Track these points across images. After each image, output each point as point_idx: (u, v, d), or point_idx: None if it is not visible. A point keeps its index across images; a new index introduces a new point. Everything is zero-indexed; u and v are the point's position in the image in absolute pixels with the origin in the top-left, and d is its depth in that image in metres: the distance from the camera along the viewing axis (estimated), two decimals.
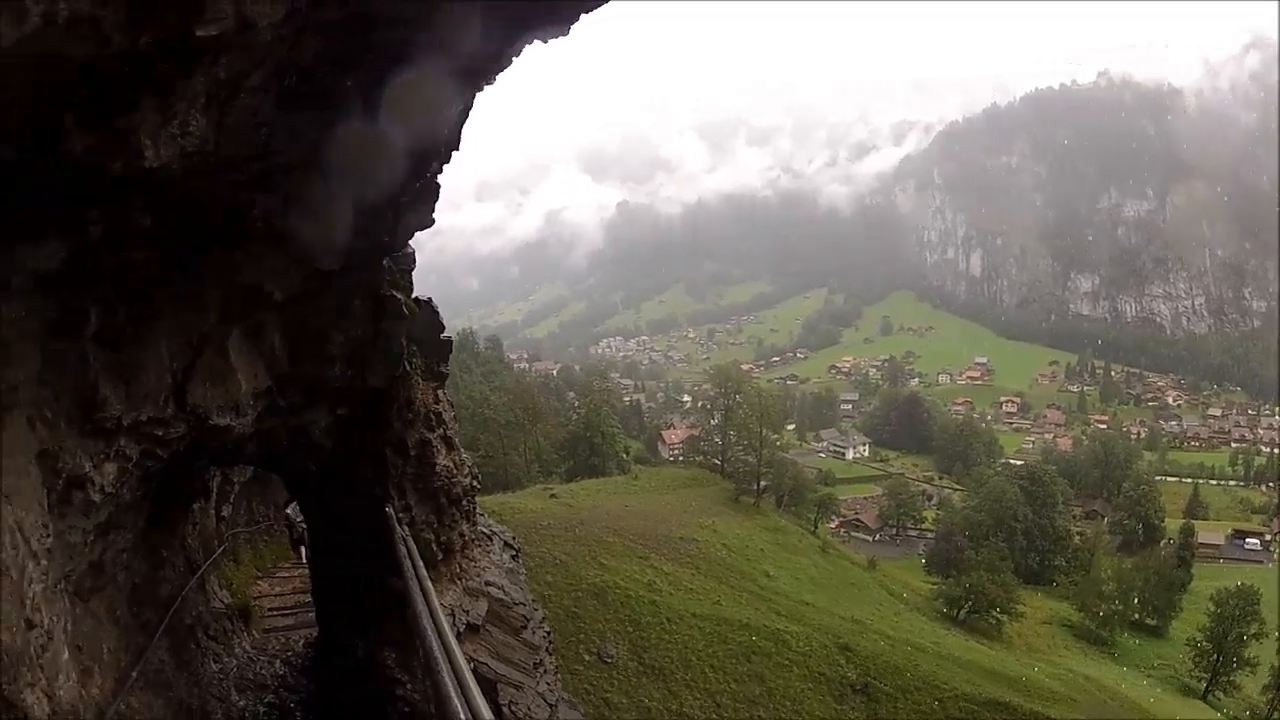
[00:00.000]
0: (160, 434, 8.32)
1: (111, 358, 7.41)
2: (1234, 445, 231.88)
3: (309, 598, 20.60)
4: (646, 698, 41.64)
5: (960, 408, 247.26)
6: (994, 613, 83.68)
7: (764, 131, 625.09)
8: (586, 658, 41.99)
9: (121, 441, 8.02)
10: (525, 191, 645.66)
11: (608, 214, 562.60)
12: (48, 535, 7.13)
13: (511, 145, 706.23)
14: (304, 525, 24.66)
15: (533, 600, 12.74)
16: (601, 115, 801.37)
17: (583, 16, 6.69)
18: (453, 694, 4.38)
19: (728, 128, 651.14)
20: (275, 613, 19.92)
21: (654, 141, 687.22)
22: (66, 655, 7.49)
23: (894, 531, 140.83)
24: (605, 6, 6.37)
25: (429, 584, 6.64)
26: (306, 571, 23.29)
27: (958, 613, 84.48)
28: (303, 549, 25.97)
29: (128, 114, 4.43)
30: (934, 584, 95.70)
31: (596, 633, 42.64)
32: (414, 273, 10.70)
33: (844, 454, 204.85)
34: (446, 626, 5.52)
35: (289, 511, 28.86)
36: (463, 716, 4.00)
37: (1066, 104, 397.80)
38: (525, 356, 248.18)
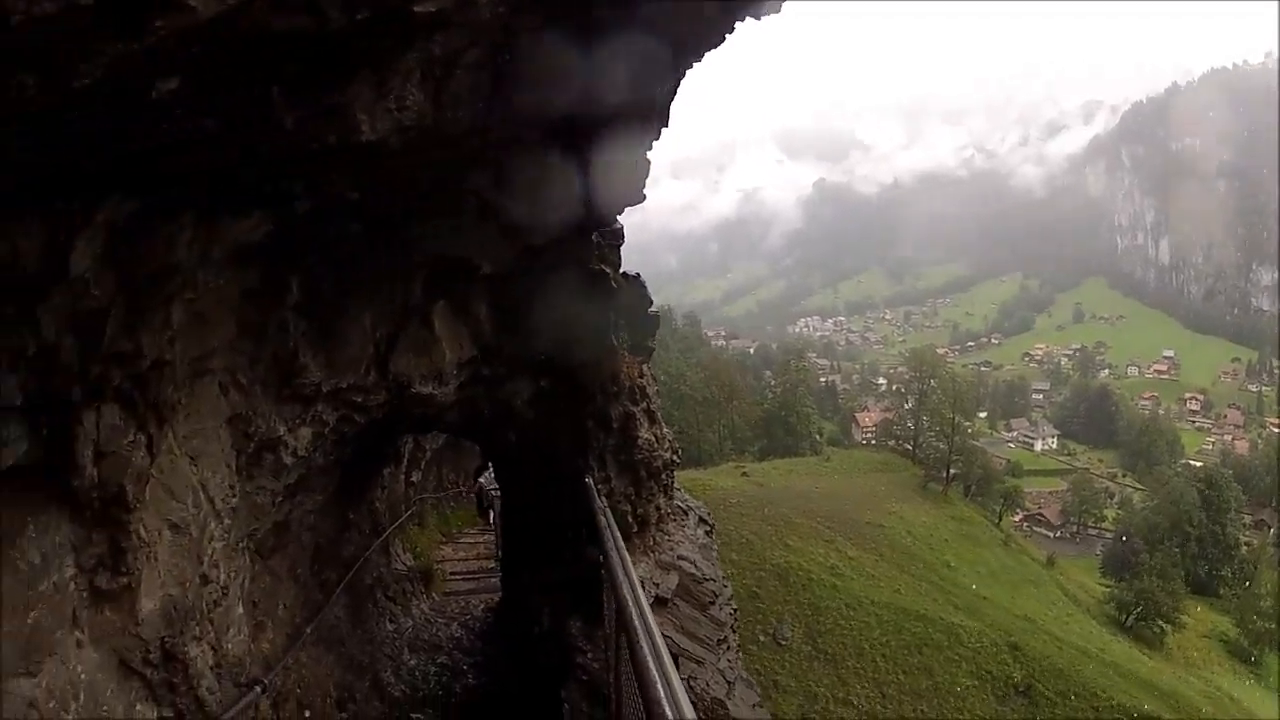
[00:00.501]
0: (359, 401, 8.47)
1: (313, 326, 7.53)
2: None
3: (492, 564, 20.81)
4: (815, 683, 41.23)
5: (1147, 402, 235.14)
6: (1159, 622, 79.98)
7: (956, 111, 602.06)
8: (762, 638, 41.82)
9: (319, 407, 8.18)
10: (721, 169, 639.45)
11: (804, 193, 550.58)
12: (233, 495, 7.28)
13: (707, 123, 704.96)
14: (494, 493, 25.07)
15: (723, 577, 12.60)
16: (795, 94, 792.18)
17: None
18: (650, 664, 4.29)
19: (919, 106, 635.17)
20: (456, 577, 20.13)
21: (848, 120, 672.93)
22: (240, 610, 7.64)
23: (1075, 529, 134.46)
24: None
25: (627, 555, 6.59)
26: (491, 539, 23.51)
27: (1126, 618, 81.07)
28: (491, 515, 26.39)
29: (341, 88, 4.33)
30: (1108, 586, 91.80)
31: (774, 614, 42.36)
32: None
33: (1032, 445, 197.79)
34: (644, 598, 5.43)
35: (481, 480, 29.44)
36: (659, 688, 3.90)
37: (1245, 84, 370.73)
38: (723, 334, 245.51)
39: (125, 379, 5.35)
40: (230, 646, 7.30)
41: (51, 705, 5.00)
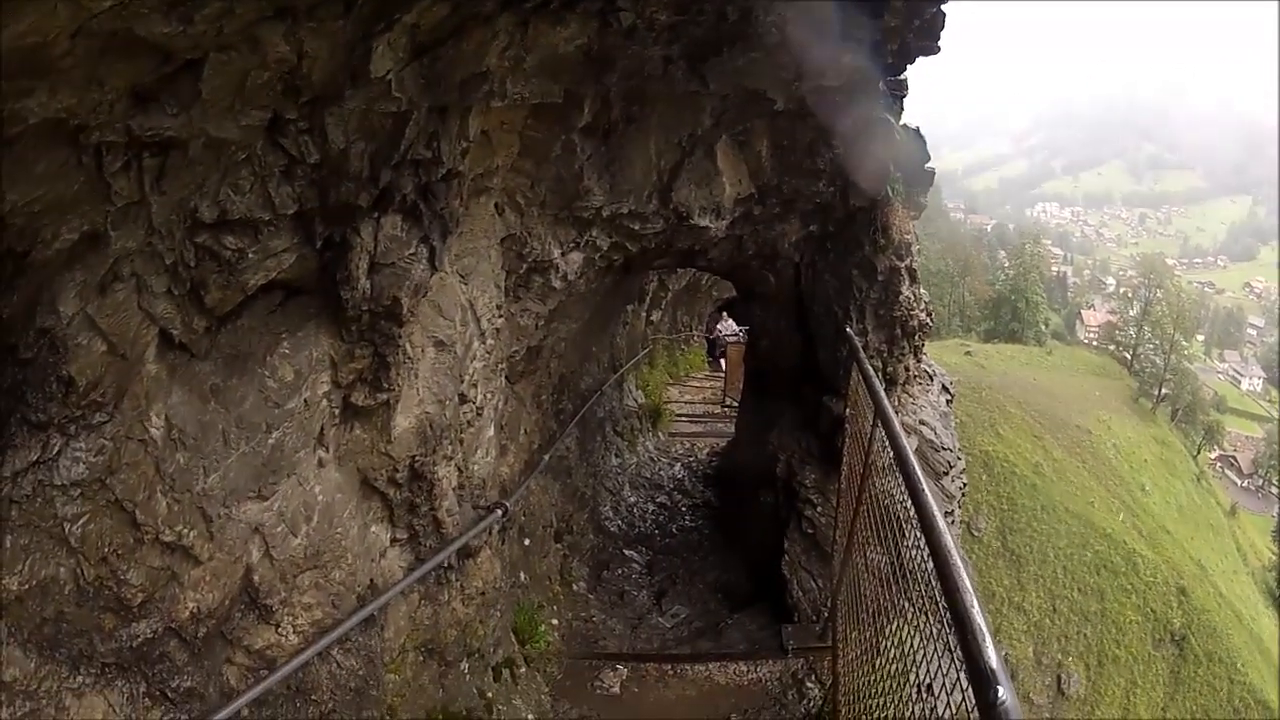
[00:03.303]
0: (636, 228, 8.39)
1: (599, 149, 7.37)
2: None
3: (717, 409, 21.13)
4: (996, 582, 40.51)
5: None
6: None
7: None
8: (957, 525, 41.37)
9: (594, 232, 8.17)
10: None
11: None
12: (499, 316, 7.27)
13: None
14: (729, 339, 25.12)
15: (958, 448, 12.22)
16: None
17: None
18: (931, 502, 3.87)
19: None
20: (682, 419, 20.39)
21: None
22: (491, 433, 7.61)
23: (1261, 482, 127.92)
24: None
25: (888, 406, 6.16)
26: (719, 385, 23.93)
27: None
28: (722, 363, 26.57)
29: None
30: (1275, 553, 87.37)
31: (974, 503, 41.33)
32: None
33: (1240, 383, 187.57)
34: (909, 450, 5.01)
35: (720, 326, 29.58)
36: (942, 526, 3.47)
37: None
38: (961, 208, 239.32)
39: (415, 189, 5.19)
40: (476, 468, 7.30)
41: (280, 529, 4.96)
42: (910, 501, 4.30)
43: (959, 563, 3.18)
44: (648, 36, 5.92)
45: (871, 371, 7.95)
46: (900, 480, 4.80)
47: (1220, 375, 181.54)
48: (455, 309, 6.34)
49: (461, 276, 6.47)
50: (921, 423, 11.47)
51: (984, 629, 2.77)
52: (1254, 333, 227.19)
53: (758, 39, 6.66)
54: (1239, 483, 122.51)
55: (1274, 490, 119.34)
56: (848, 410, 8.94)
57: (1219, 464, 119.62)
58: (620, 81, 6.52)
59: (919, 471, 4.48)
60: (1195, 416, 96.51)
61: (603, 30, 5.57)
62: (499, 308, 7.27)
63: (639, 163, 7.83)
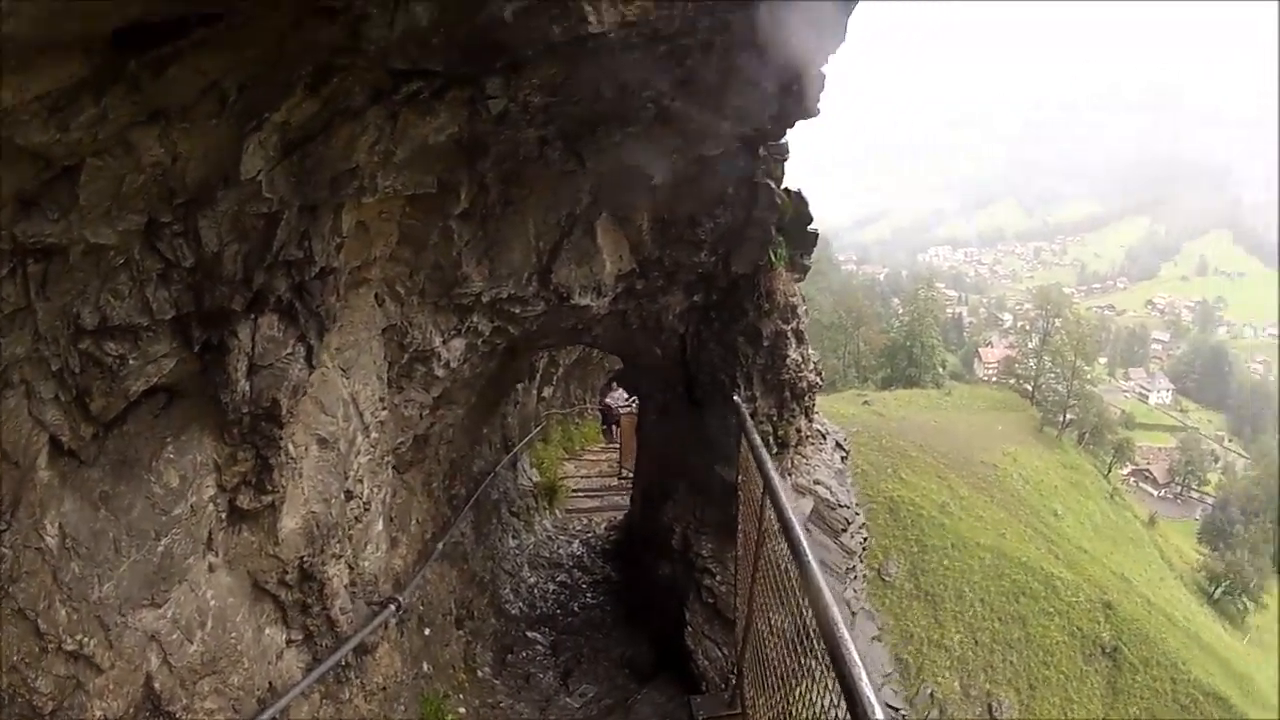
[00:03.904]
0: (517, 311, 8.39)
1: (477, 234, 7.36)
2: None
3: (614, 481, 21.08)
4: (913, 622, 40.81)
5: (1259, 366, 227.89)
6: (1243, 598, 78.63)
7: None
8: (866, 573, 41.59)
9: (475, 318, 8.17)
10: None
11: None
12: (383, 408, 7.23)
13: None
14: (621, 410, 25.14)
15: (855, 504, 12.38)
16: None
17: None
18: (817, 576, 3.96)
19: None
20: (579, 494, 20.28)
21: None
22: (380, 527, 7.58)
23: (1179, 490, 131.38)
24: None
25: (775, 476, 6.22)
26: (614, 456, 23.83)
27: (1214, 590, 79.33)
28: (614, 433, 26.57)
29: None
30: (1202, 554, 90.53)
31: (882, 549, 41.56)
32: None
33: (1148, 397, 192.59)
34: (794, 519, 5.08)
35: (608, 400, 29.63)
36: (834, 609, 3.54)
37: None
38: (854, 259, 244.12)
39: (289, 289, 5.17)
40: (366, 564, 7.26)
41: (175, 637, 4.95)
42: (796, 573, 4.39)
43: (845, 635, 3.27)
44: (521, 119, 5.92)
45: (759, 441, 7.96)
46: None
47: (1127, 394, 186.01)
48: (337, 404, 6.30)
49: (343, 371, 6.44)
50: (817, 482, 11.64)
51: (872, 702, 2.84)
52: (1159, 347, 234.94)
53: (634, 115, 6.71)
54: (1156, 493, 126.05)
55: (1194, 494, 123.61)
56: (740, 477, 8.96)
57: (1133, 479, 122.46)
58: (495, 166, 6.53)
59: (804, 543, 4.54)
60: (1103, 437, 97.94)
61: (473, 118, 5.56)
62: (382, 400, 7.23)
63: (518, 245, 7.83)
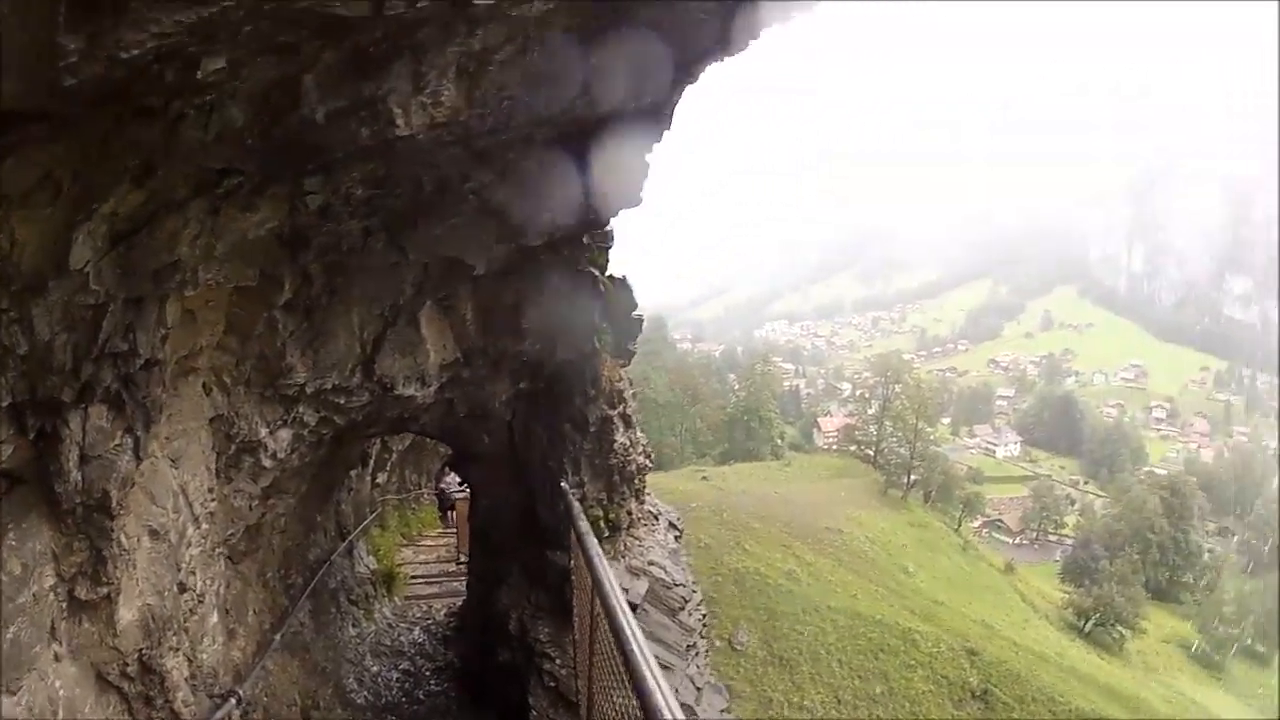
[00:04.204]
0: (342, 402, 8.43)
1: (301, 325, 7.42)
2: None
3: (452, 567, 20.89)
4: (771, 688, 40.86)
5: (1112, 410, 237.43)
6: (1118, 628, 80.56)
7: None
8: (718, 643, 41.40)
9: (301, 409, 8.15)
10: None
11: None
12: (212, 499, 7.20)
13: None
14: (456, 495, 25.00)
15: (692, 582, 12.59)
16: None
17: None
18: (642, 664, 4.23)
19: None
20: (418, 580, 20.14)
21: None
22: (215, 619, 7.54)
23: (1034, 536, 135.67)
24: None
25: (603, 560, 6.46)
26: (452, 541, 23.61)
27: (1084, 624, 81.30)
28: (451, 518, 26.36)
29: (378, 80, 4.34)
30: (1066, 593, 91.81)
31: (731, 619, 41.84)
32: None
33: (995, 452, 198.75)
34: (624, 602, 5.34)
35: (443, 485, 29.36)
36: (659, 695, 3.81)
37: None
38: (689, 337, 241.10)
39: (116, 380, 5.22)
40: (205, 656, 7.21)
41: None
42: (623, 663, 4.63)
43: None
44: (343, 212, 6.07)
45: (586, 528, 8.13)
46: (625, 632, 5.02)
47: (973, 450, 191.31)
48: (167, 495, 6.29)
49: (172, 461, 6.42)
50: (651, 564, 11.85)
51: None
52: (1004, 403, 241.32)
53: (456, 207, 6.92)
54: (1011, 540, 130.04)
55: (1051, 538, 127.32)
56: (572, 562, 9.12)
57: (985, 530, 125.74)
58: (318, 257, 6.65)
59: (629, 630, 4.80)
60: (951, 494, 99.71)
61: (294, 211, 5.70)
62: (211, 491, 7.20)
63: (342, 336, 7.91)
